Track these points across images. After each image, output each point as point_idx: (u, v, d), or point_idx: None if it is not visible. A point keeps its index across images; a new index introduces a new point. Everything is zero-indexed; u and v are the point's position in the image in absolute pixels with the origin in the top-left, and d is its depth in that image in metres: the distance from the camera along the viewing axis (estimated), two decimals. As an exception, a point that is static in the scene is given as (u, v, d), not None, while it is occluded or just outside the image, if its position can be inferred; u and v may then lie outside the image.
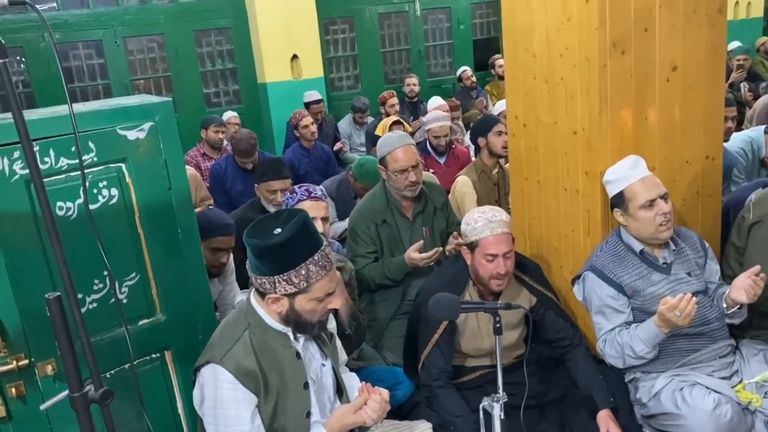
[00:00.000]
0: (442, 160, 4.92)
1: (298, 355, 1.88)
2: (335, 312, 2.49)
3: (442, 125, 4.88)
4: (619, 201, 2.41)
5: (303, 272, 1.73)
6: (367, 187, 4.23)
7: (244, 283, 3.24)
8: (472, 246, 2.46)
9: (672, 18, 2.50)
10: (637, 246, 2.43)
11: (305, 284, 1.75)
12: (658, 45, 2.51)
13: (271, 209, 3.53)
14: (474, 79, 7.89)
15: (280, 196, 3.52)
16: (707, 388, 2.28)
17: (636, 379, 2.49)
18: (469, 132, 5.26)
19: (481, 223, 2.42)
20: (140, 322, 2.14)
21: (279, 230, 1.72)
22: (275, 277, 1.74)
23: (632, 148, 2.55)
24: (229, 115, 6.47)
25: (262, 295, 1.82)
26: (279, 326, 1.86)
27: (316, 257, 1.75)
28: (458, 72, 8.02)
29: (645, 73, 2.52)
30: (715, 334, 2.44)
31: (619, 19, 2.42)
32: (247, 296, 1.91)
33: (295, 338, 1.90)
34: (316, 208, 2.59)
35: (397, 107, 6.80)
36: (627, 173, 2.38)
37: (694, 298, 2.17)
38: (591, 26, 2.44)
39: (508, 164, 3.70)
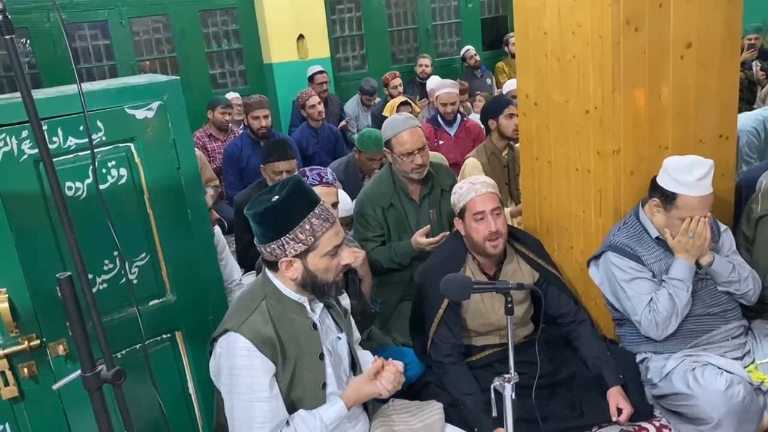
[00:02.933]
0: (452, 132, 4.89)
1: (314, 326, 1.90)
2: (359, 292, 2.51)
3: (450, 92, 4.92)
4: (665, 197, 2.33)
5: (307, 227, 1.76)
6: (372, 156, 4.23)
7: (250, 266, 3.25)
8: (462, 213, 2.49)
9: (687, -6, 2.46)
10: (654, 232, 2.42)
11: (312, 239, 1.77)
12: (673, 22, 2.46)
13: None
14: (477, 57, 7.81)
15: (285, 176, 3.51)
16: (719, 368, 2.28)
17: (647, 359, 2.49)
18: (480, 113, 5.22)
19: (466, 187, 2.50)
20: (151, 303, 2.13)
21: (276, 197, 1.76)
22: (282, 238, 1.76)
23: (645, 127, 2.53)
24: (232, 96, 6.46)
25: (273, 265, 1.84)
26: (295, 296, 1.87)
27: (316, 211, 1.79)
28: (462, 51, 7.93)
29: (659, 50, 2.48)
30: (728, 315, 2.43)
31: (633, -5, 2.38)
32: (262, 271, 1.93)
33: (312, 309, 1.91)
34: (327, 194, 2.56)
35: (401, 88, 6.75)
36: (693, 184, 2.26)
37: (702, 219, 2.26)
38: (604, 3, 2.40)
39: (518, 145, 3.67)
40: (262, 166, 3.75)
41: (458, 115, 5.01)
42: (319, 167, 2.74)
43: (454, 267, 2.49)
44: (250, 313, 1.82)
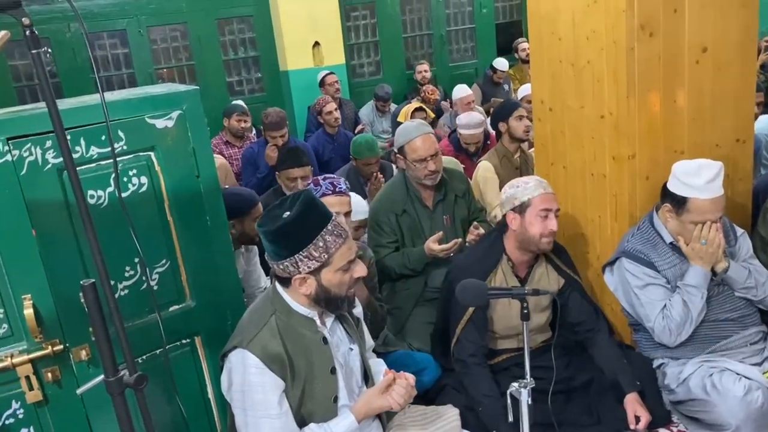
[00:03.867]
0: (474, 158, 4.84)
1: (324, 340, 1.89)
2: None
3: (473, 133, 4.66)
4: (676, 202, 2.33)
5: (321, 244, 1.76)
6: (368, 161, 4.29)
7: (268, 271, 3.28)
8: (522, 207, 2.45)
9: (702, -2, 2.46)
10: (668, 237, 2.41)
11: (326, 255, 1.77)
12: (688, 26, 2.47)
13: None
14: (504, 75, 7.49)
15: (300, 183, 3.55)
16: (737, 374, 2.27)
17: (664, 365, 2.48)
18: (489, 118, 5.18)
19: (533, 183, 2.47)
20: (170, 309, 2.16)
21: (288, 213, 1.75)
22: (296, 256, 1.76)
23: (661, 132, 2.53)
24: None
25: (286, 281, 1.84)
26: (305, 310, 1.87)
27: (329, 227, 1.78)
28: (493, 63, 7.53)
29: (674, 55, 2.48)
30: (746, 321, 2.42)
31: (647, 0, 2.38)
32: (271, 283, 1.93)
33: (322, 323, 1.91)
34: (340, 203, 2.55)
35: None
36: (702, 186, 2.25)
37: (714, 225, 2.25)
38: (618, 8, 2.41)
39: (531, 149, 3.68)
40: (277, 173, 3.78)
41: (482, 139, 4.84)
42: (332, 176, 2.75)
43: (488, 266, 2.50)
44: (259, 328, 1.82)
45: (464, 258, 2.68)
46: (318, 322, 1.90)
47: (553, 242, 2.48)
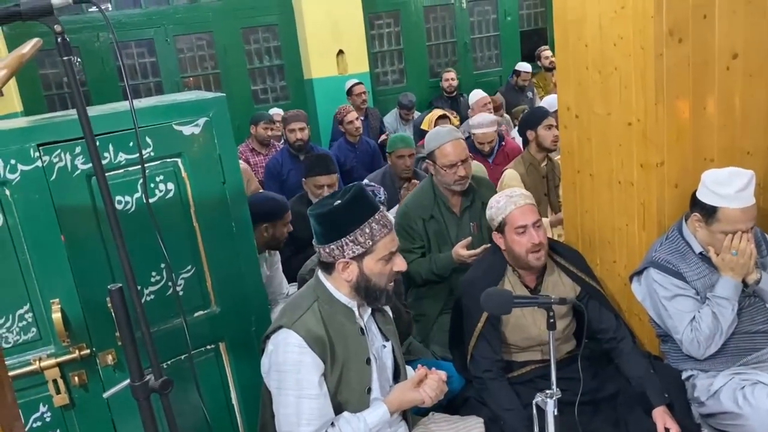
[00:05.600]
0: (490, 159, 4.83)
1: (362, 331, 1.95)
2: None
3: (486, 132, 4.69)
4: (706, 212, 2.28)
5: (367, 230, 1.84)
6: (401, 153, 4.31)
7: (292, 277, 3.30)
8: (501, 227, 2.45)
9: (732, 3, 2.41)
10: (697, 247, 2.36)
11: (371, 242, 1.85)
12: (718, 32, 2.43)
13: None
14: (527, 82, 7.48)
15: (326, 190, 3.58)
16: (770, 387, 2.21)
17: (693, 377, 2.43)
18: (517, 125, 5.16)
19: (503, 201, 2.46)
20: (196, 314, 2.18)
21: (339, 202, 1.84)
22: (343, 239, 1.83)
23: (690, 139, 2.49)
24: (275, 112, 6.56)
25: (329, 268, 1.90)
26: (345, 300, 1.93)
27: (377, 216, 1.87)
28: (516, 66, 7.59)
29: (704, 61, 2.44)
30: (779, 332, 2.36)
31: (676, 5, 2.35)
32: (314, 275, 1.99)
33: (359, 315, 1.96)
34: None
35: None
36: (733, 196, 2.20)
37: (745, 235, 2.20)
38: (646, 14, 2.38)
39: (558, 157, 3.65)
40: (303, 179, 3.81)
41: (496, 138, 4.89)
42: (373, 185, 2.78)
43: (493, 280, 2.47)
44: (303, 311, 1.88)
45: (469, 275, 2.65)
46: (357, 312, 1.95)
47: (544, 256, 2.44)
